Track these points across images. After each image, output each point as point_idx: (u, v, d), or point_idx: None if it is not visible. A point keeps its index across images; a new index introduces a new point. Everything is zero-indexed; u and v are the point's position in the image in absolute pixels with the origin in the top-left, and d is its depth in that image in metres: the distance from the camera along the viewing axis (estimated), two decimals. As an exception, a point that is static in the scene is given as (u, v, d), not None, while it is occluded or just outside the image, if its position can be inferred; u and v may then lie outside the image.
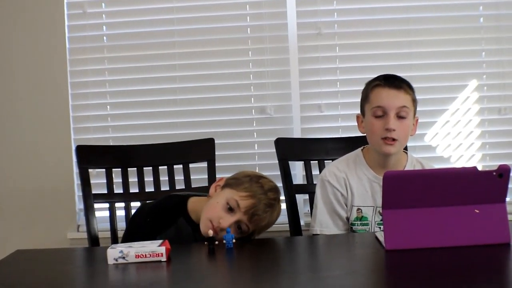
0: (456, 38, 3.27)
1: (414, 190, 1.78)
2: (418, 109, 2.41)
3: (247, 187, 2.12)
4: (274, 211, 2.15)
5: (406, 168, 2.43)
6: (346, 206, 2.44)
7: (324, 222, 2.43)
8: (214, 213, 2.08)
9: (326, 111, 3.27)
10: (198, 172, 2.86)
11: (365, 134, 2.44)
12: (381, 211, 2.32)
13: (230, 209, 2.09)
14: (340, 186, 2.43)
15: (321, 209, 2.44)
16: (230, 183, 2.17)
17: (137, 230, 2.14)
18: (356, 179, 2.44)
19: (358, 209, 2.42)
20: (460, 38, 3.27)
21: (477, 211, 1.80)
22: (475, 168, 1.78)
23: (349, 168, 2.46)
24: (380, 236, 1.91)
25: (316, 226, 2.44)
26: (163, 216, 2.23)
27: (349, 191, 2.43)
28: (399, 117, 2.32)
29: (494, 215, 1.80)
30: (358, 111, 2.48)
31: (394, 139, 2.31)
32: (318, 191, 2.47)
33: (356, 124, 2.49)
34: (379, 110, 2.33)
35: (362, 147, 2.52)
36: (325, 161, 2.83)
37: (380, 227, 2.36)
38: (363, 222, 2.41)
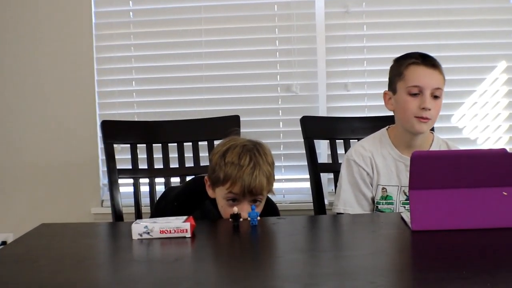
0: (485, 19, 3.23)
1: (442, 171, 1.76)
2: (445, 90, 2.38)
3: (224, 176, 2.07)
4: (261, 165, 2.07)
5: (432, 149, 2.41)
6: (372, 186, 2.43)
7: (348, 202, 2.43)
8: (228, 214, 1.99)
9: (352, 90, 3.25)
10: (223, 149, 2.85)
11: (391, 112, 2.42)
12: (405, 191, 2.34)
13: (234, 200, 2.08)
14: (366, 165, 2.42)
15: (346, 188, 2.43)
16: (213, 181, 2.13)
17: (163, 214, 2.12)
18: (382, 158, 2.43)
19: (383, 188, 2.41)
20: (489, 18, 3.23)
21: (505, 193, 1.78)
22: (504, 150, 1.76)
23: (375, 147, 2.45)
24: (406, 216, 1.89)
25: (340, 205, 2.44)
26: (190, 200, 2.23)
27: (375, 170, 2.42)
28: (434, 96, 2.31)
29: (522, 198, 1.78)
30: (385, 91, 2.46)
31: (427, 118, 2.30)
32: (343, 170, 2.46)
33: (383, 103, 2.46)
34: (415, 89, 2.31)
35: (387, 127, 2.50)
36: (350, 140, 2.81)
37: (404, 207, 2.36)
38: (388, 201, 2.40)
